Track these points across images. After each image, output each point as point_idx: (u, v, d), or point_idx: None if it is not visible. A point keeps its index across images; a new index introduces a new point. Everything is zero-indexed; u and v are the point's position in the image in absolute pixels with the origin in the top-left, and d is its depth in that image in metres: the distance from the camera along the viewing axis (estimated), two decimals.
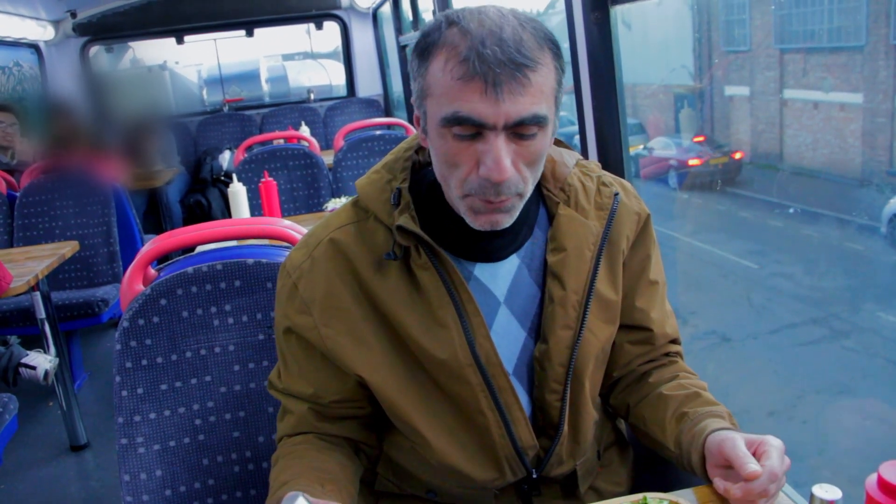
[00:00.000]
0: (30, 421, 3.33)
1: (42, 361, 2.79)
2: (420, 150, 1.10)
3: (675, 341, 1.21)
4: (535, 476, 1.11)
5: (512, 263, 1.08)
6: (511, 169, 0.92)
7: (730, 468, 0.93)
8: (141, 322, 1.36)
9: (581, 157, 1.17)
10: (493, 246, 1.06)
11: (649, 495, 0.93)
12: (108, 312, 3.43)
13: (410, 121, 5.29)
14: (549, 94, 0.92)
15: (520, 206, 0.98)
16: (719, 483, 0.94)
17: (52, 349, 2.92)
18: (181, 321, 1.37)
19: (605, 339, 1.12)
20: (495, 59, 0.87)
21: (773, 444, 0.92)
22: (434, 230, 1.03)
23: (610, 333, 1.13)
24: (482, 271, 1.06)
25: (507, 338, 1.07)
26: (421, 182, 1.08)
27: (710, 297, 5.84)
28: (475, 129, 0.90)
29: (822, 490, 0.80)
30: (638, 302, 1.16)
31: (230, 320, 1.39)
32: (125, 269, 3.47)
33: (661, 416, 1.10)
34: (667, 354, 1.21)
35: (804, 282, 5.45)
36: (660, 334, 1.17)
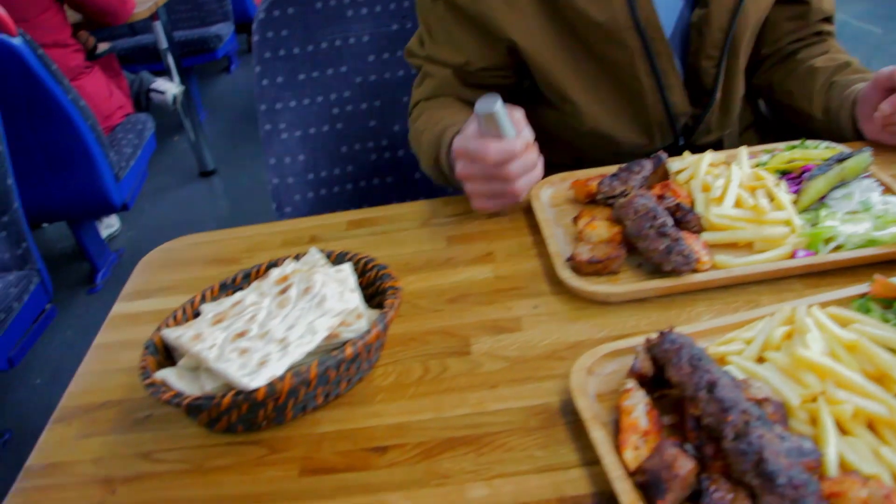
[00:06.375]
0: (160, 153, 3.57)
1: (169, 87, 2.94)
2: None
3: (828, 20, 1.16)
4: (681, 143, 1.12)
5: None
6: None
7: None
8: (276, 13, 1.38)
9: None
10: None
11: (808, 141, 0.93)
12: (222, 49, 3.51)
13: None
14: None
15: None
16: (883, 106, 0.92)
17: (177, 78, 3.05)
18: (315, 12, 1.39)
19: (764, 9, 1.10)
20: None
21: None
22: None
23: (769, 2, 1.09)
24: None
25: (664, 4, 1.03)
26: None
27: None
28: None
29: None
30: None
31: (363, 10, 1.40)
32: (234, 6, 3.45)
33: (808, 88, 1.08)
34: (818, 33, 1.16)
35: None
36: (816, 9, 1.13)
